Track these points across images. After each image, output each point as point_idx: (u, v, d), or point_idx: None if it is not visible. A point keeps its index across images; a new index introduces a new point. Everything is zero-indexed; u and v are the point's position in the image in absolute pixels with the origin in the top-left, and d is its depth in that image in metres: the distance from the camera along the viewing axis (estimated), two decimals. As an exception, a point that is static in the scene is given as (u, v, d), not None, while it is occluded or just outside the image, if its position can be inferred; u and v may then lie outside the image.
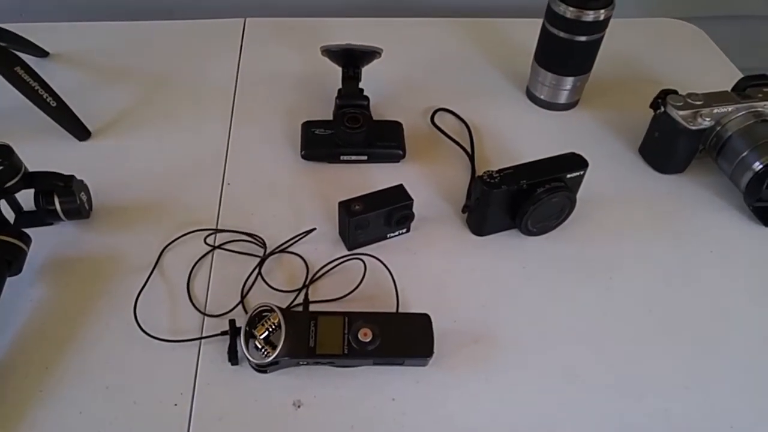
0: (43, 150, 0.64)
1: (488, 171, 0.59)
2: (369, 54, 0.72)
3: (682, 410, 0.51)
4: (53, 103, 0.68)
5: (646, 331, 0.56)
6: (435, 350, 0.51)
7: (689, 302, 0.58)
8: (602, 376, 0.53)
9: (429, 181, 0.67)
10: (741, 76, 0.83)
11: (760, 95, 0.66)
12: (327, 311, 0.52)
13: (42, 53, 0.81)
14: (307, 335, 0.50)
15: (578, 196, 0.62)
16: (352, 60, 0.72)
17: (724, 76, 0.81)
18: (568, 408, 0.51)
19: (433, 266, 0.60)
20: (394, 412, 0.49)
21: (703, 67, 0.85)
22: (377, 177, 0.67)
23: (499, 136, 0.73)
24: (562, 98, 0.76)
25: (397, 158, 0.68)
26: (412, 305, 0.56)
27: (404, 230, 0.62)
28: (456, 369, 0.52)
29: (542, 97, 0.76)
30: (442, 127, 0.74)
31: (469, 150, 0.71)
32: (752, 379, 0.53)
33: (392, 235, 0.61)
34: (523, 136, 0.74)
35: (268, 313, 0.51)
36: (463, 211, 0.64)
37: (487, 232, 0.62)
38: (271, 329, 0.51)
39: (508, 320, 0.56)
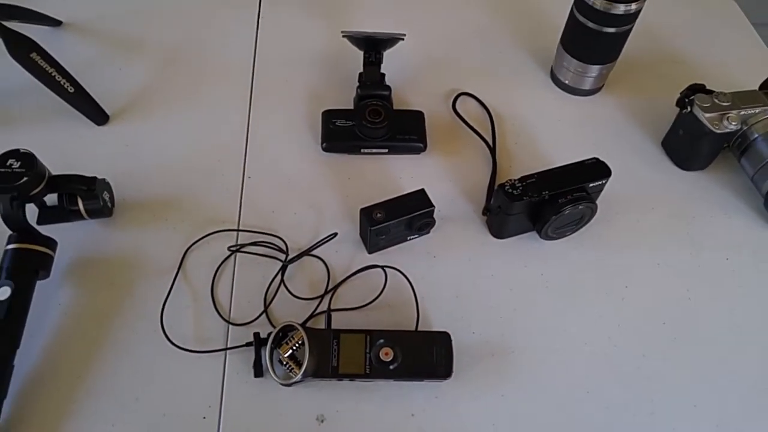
0: (61, 136, 0.58)
1: (510, 180, 0.52)
2: (391, 40, 0.62)
3: (686, 420, 0.47)
4: (71, 89, 0.59)
5: (658, 345, 0.51)
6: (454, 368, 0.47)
7: (702, 314, 0.52)
8: (615, 392, 0.48)
9: (450, 177, 0.59)
10: (760, 41, 0.73)
11: (792, 97, 0.57)
12: (349, 329, 0.47)
13: (55, 23, 0.70)
14: (330, 354, 0.45)
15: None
16: (373, 45, 0.62)
17: (755, 59, 0.70)
18: (582, 423, 0.47)
19: (453, 271, 0.54)
20: (412, 428, 0.46)
21: (735, 48, 0.73)
22: (398, 170, 0.60)
23: (521, 122, 0.64)
24: (587, 84, 0.66)
25: (417, 151, 0.60)
26: (432, 314, 0.51)
27: (425, 233, 0.56)
28: (473, 383, 0.48)
29: (566, 81, 0.66)
30: (464, 114, 0.64)
31: (490, 142, 0.62)
32: (762, 396, 0.48)
33: (413, 237, 0.55)
34: (545, 123, 0.64)
35: (292, 332, 0.47)
36: (484, 213, 0.57)
37: (508, 235, 0.56)
38: (295, 347, 0.46)
39: (524, 332, 0.51)
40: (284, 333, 0.47)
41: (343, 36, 0.61)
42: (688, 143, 0.60)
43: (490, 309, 0.52)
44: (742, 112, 0.57)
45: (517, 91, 0.67)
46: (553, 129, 0.64)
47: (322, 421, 0.46)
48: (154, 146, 0.61)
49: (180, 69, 0.67)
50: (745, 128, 0.58)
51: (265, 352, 0.46)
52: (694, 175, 0.61)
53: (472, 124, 0.63)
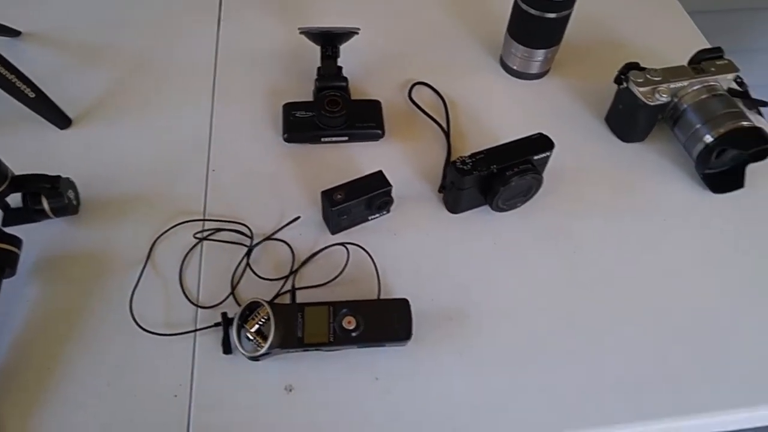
0: (24, 141, 0.60)
1: (461, 157, 0.55)
2: (347, 34, 0.65)
3: (631, 372, 0.50)
4: (32, 95, 0.60)
5: (607, 301, 0.54)
6: (414, 331, 0.50)
7: (644, 271, 0.56)
8: (568, 346, 0.52)
9: (407, 160, 0.63)
10: (697, 31, 0.78)
11: (713, 69, 0.61)
12: (313, 302, 0.49)
13: (14, 33, 0.72)
14: (295, 326, 0.48)
15: (546, 166, 0.59)
16: (330, 40, 0.65)
17: (687, 40, 0.75)
18: (539, 376, 0.50)
19: (412, 246, 0.57)
20: (377, 390, 0.48)
21: (669, 30, 0.78)
22: (358, 156, 0.63)
23: (474, 108, 0.68)
24: (534, 68, 0.70)
25: (376, 137, 0.63)
26: (393, 286, 0.54)
27: (384, 212, 0.59)
28: (433, 346, 0.51)
29: (515, 67, 0.70)
30: (420, 102, 0.68)
31: (445, 127, 0.66)
32: (703, 341, 0.52)
33: (373, 217, 0.58)
34: (496, 107, 0.68)
35: (258, 308, 0.49)
36: (440, 191, 0.60)
37: (462, 210, 0.59)
38: (261, 323, 0.48)
39: (479, 297, 0.54)
40: (251, 310, 0.49)
41: (300, 32, 0.64)
42: (627, 116, 0.64)
43: (448, 278, 0.55)
44: (672, 86, 0.61)
45: (469, 79, 0.71)
46: (503, 111, 0.68)
47: (291, 390, 0.48)
48: (119, 146, 0.63)
49: (143, 73, 0.69)
50: (676, 100, 0.63)
51: (233, 329, 0.48)
52: (634, 147, 0.65)
53: (427, 110, 0.67)
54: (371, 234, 0.57)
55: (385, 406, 0.48)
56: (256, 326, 0.48)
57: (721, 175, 0.63)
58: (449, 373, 0.50)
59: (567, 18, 0.65)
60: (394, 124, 0.65)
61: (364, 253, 0.55)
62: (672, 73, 0.62)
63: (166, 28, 0.74)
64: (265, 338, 0.47)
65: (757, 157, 0.61)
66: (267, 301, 0.48)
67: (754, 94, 0.67)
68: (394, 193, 0.57)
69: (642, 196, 0.62)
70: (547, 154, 0.57)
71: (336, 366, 0.49)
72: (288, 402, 0.47)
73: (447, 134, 0.65)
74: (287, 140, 0.62)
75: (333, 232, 0.57)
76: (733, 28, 1.17)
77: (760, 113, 0.69)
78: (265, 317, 0.48)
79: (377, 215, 0.58)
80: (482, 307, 0.53)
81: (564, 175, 0.62)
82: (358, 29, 0.64)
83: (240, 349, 0.47)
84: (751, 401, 0.49)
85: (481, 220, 0.59)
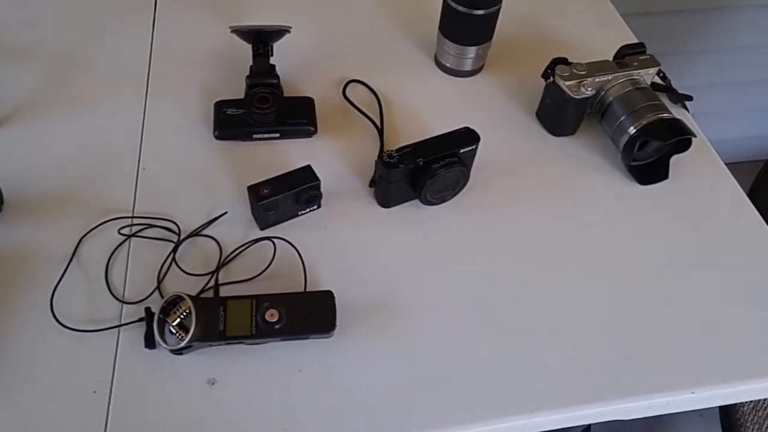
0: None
1: (387, 151, 0.56)
2: (278, 32, 0.66)
3: (554, 360, 0.52)
4: (-43, 95, 0.61)
5: (529, 291, 0.56)
6: (339, 323, 0.50)
7: (569, 260, 0.58)
8: (493, 338, 0.53)
9: (340, 156, 0.64)
10: (627, 28, 0.81)
11: (636, 63, 0.63)
12: (236, 296, 0.50)
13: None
14: (217, 319, 0.48)
15: (477, 160, 0.60)
16: (261, 38, 0.66)
17: (617, 36, 0.77)
18: (464, 367, 0.51)
19: (343, 240, 0.58)
20: (300, 382, 0.49)
21: (599, 28, 0.80)
22: (290, 153, 0.63)
23: (408, 105, 0.69)
24: (467, 66, 0.71)
25: (308, 134, 0.64)
26: (321, 280, 0.54)
27: (315, 207, 0.59)
28: (359, 338, 0.51)
29: (448, 65, 0.72)
30: (354, 100, 0.69)
31: (378, 123, 0.67)
32: (629, 329, 0.54)
33: (303, 212, 0.58)
34: (430, 104, 0.70)
35: (181, 302, 0.49)
36: (370, 185, 0.61)
37: (392, 204, 0.60)
38: (183, 316, 0.48)
39: (407, 289, 0.55)
40: (174, 304, 0.49)
41: (232, 31, 0.65)
42: (555, 111, 0.66)
43: (377, 271, 0.56)
44: (597, 79, 0.63)
45: (403, 77, 0.72)
46: (437, 108, 0.70)
47: (213, 384, 0.48)
48: (48, 145, 0.62)
49: (76, 72, 0.69)
50: (602, 93, 0.65)
51: (154, 323, 0.48)
52: (564, 141, 0.67)
53: (361, 108, 0.68)
54: (301, 229, 0.58)
55: (308, 398, 0.48)
56: (178, 320, 0.48)
57: (647, 167, 0.65)
58: (374, 364, 0.50)
59: (496, 14, 0.67)
60: (327, 122, 0.66)
61: (292, 247, 0.56)
62: (597, 68, 0.64)
63: (100, 28, 0.74)
64: (187, 331, 0.48)
65: (680, 149, 0.64)
66: (188, 295, 0.49)
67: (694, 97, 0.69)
68: (325, 189, 0.58)
69: (570, 188, 0.64)
70: (473, 147, 0.58)
71: (260, 359, 0.50)
72: (210, 395, 0.48)
73: (380, 131, 0.66)
74: (218, 137, 0.63)
75: (261, 228, 0.57)
76: (670, 30, 1.22)
77: (685, 107, 0.72)
78: (187, 311, 0.48)
79: (307, 210, 0.58)
80: (410, 299, 0.54)
81: (494, 169, 0.64)
82: (290, 28, 0.65)
83: (160, 341, 0.47)
84: (675, 386, 0.51)
85: (411, 213, 0.60)
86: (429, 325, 0.53)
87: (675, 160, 0.64)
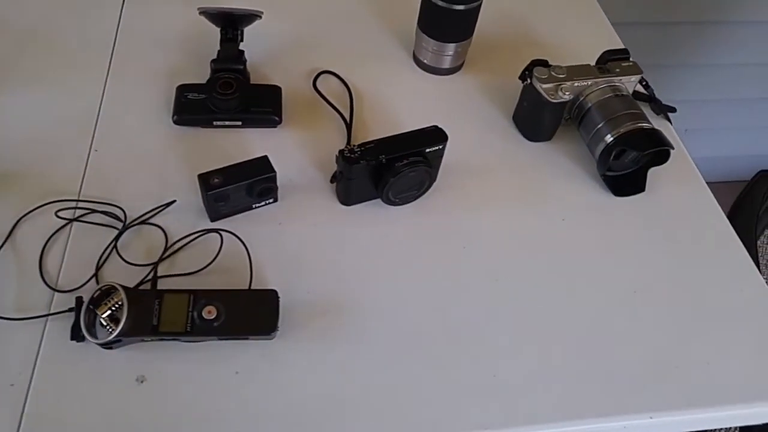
0: None
1: (349, 145, 0.54)
2: (248, 17, 0.63)
3: (510, 375, 0.49)
4: None
5: (489, 300, 0.53)
6: (283, 325, 0.47)
7: (534, 271, 0.55)
8: (446, 346, 0.50)
9: (304, 149, 0.61)
10: (615, 34, 0.78)
11: (618, 70, 0.61)
12: (173, 289, 0.47)
13: None
14: (151, 313, 0.45)
15: (447, 162, 0.58)
16: (230, 22, 0.63)
17: (601, 39, 0.75)
18: (412, 377, 0.48)
19: (297, 237, 0.55)
20: (235, 385, 0.46)
21: (586, 32, 0.78)
22: (251, 143, 0.60)
23: (381, 101, 0.67)
24: (446, 63, 0.69)
25: (273, 124, 0.61)
26: (270, 278, 0.52)
27: (271, 200, 0.56)
28: (302, 341, 0.48)
29: (426, 61, 0.69)
30: (325, 92, 0.66)
31: (347, 117, 0.64)
32: (583, 351, 0.51)
33: (258, 205, 0.55)
34: (405, 101, 0.67)
35: (114, 293, 0.46)
36: (332, 181, 0.58)
37: (354, 201, 0.57)
38: (114, 308, 0.45)
39: (360, 292, 0.52)
40: (107, 295, 0.46)
41: (200, 12, 0.62)
42: (532, 114, 0.64)
43: (330, 271, 0.53)
44: (576, 84, 0.61)
45: (379, 71, 0.69)
46: (411, 106, 0.67)
47: (142, 382, 0.45)
48: (-1, 121, 0.60)
49: (37, 47, 0.66)
50: (581, 99, 0.62)
51: (82, 314, 0.45)
52: (539, 146, 0.65)
53: (332, 101, 0.65)
54: (254, 223, 0.55)
55: (242, 402, 0.45)
56: (109, 311, 0.45)
57: (623, 178, 0.63)
58: (316, 371, 0.48)
59: (476, 10, 0.64)
60: (294, 112, 0.63)
61: (240, 242, 0.53)
62: (577, 72, 0.61)
63: (69, 4, 0.71)
64: (117, 324, 0.45)
65: (658, 161, 0.61)
66: (122, 286, 0.46)
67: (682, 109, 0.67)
68: (284, 182, 0.56)
69: (542, 195, 0.61)
70: (440, 147, 0.55)
71: (195, 358, 0.47)
72: (138, 394, 0.45)
73: (348, 125, 0.63)
74: (177, 122, 0.60)
75: (212, 219, 0.54)
76: (666, 42, 1.19)
77: (668, 119, 0.69)
78: (120, 302, 0.45)
79: (262, 203, 0.56)
80: (362, 303, 0.52)
81: (463, 171, 0.61)
82: (261, 12, 0.63)
83: (85, 333, 0.44)
84: (633, 409, 0.48)
85: (372, 213, 0.57)
86: (380, 332, 0.50)
87: (653, 173, 0.62)
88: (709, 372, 0.50)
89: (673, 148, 0.58)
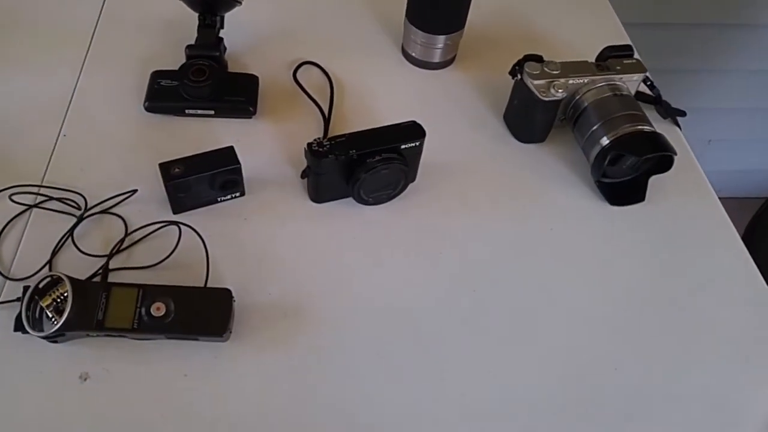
0: None
1: (318, 138, 0.51)
2: (228, 2, 0.60)
3: (478, 395, 0.45)
4: None
5: (464, 312, 0.50)
6: (239, 328, 0.45)
7: (514, 283, 0.51)
8: (409, 356, 0.47)
9: (277, 142, 0.58)
10: (625, 35, 0.73)
11: (619, 67, 0.57)
12: (121, 283, 0.45)
13: None
14: (97, 307, 0.44)
15: (428, 161, 0.55)
16: (208, 7, 0.61)
17: (609, 38, 0.66)
18: (370, 389, 0.45)
19: (262, 234, 0.52)
20: (183, 388, 0.44)
21: (592, 30, 0.73)
22: (223, 133, 0.58)
23: (364, 95, 0.64)
24: (436, 57, 0.65)
25: (247, 114, 0.59)
26: (229, 276, 0.49)
27: (237, 194, 0.54)
28: (258, 344, 0.46)
29: (415, 55, 0.66)
30: (307, 84, 0.63)
31: (326, 110, 0.61)
32: (565, 373, 0.47)
33: (224, 198, 0.53)
34: (389, 96, 0.64)
35: (59, 283, 0.45)
36: (302, 177, 0.55)
37: (325, 199, 0.54)
38: (59, 299, 0.44)
39: (324, 294, 0.49)
40: (54, 285, 0.45)
41: (178, -3, 0.61)
42: (522, 113, 0.60)
43: (293, 271, 0.50)
44: (570, 81, 0.57)
45: (364, 64, 0.66)
46: (396, 101, 0.64)
47: (85, 380, 0.43)
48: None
49: (15, 30, 0.65)
50: (576, 98, 0.58)
51: (23, 304, 0.43)
52: (531, 148, 0.61)
53: (312, 93, 0.62)
54: (218, 217, 0.53)
55: (186, 405, 0.43)
56: (52, 302, 0.43)
57: (621, 186, 0.58)
58: (269, 377, 0.45)
59: (467, 0, 0.61)
60: (271, 103, 0.61)
61: (207, 234, 0.51)
62: (572, 68, 0.57)
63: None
64: (62, 316, 0.43)
65: (660, 169, 0.57)
66: (68, 277, 0.44)
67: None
68: (253, 176, 0.53)
69: (530, 201, 0.57)
70: (417, 143, 0.52)
71: (143, 357, 0.45)
72: (79, 391, 0.43)
73: (326, 119, 0.61)
74: (148, 109, 0.58)
75: (175, 212, 0.52)
76: (684, 45, 1.13)
77: (676, 123, 0.65)
78: (65, 294, 0.44)
79: (228, 197, 0.53)
80: (325, 308, 0.49)
81: (446, 171, 0.58)
82: (241, -2, 0.61)
83: (26, 324, 0.42)
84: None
85: (344, 212, 0.54)
86: (342, 340, 0.47)
87: (655, 181, 0.57)
88: (711, 402, 0.46)
89: (675, 154, 0.54)
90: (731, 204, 0.62)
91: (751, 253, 0.56)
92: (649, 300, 0.52)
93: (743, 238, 0.58)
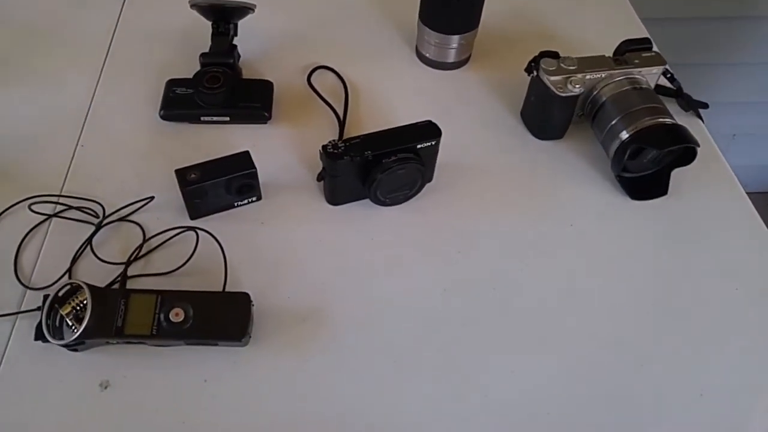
0: None
1: (333, 140, 0.51)
2: (240, 10, 0.61)
3: (501, 396, 0.44)
4: None
5: (483, 310, 0.49)
6: (258, 332, 0.45)
7: (534, 281, 0.50)
8: (428, 360, 0.46)
9: (293, 146, 0.58)
10: (644, 30, 0.72)
11: (637, 61, 0.56)
12: (140, 290, 0.45)
13: None
14: (116, 314, 0.43)
15: (445, 161, 0.54)
16: (221, 15, 0.61)
17: (626, 30, 0.67)
18: (393, 392, 0.44)
19: (280, 237, 0.52)
20: (204, 394, 0.43)
21: (612, 28, 0.71)
22: (239, 139, 0.58)
23: (379, 97, 0.63)
24: (450, 57, 0.65)
25: (262, 119, 0.59)
26: (247, 280, 0.49)
27: (254, 198, 0.54)
28: (277, 349, 0.45)
29: (429, 56, 0.65)
30: (321, 88, 0.63)
31: (341, 113, 0.61)
32: (587, 374, 0.46)
33: (241, 203, 0.53)
34: (405, 97, 0.63)
35: (79, 291, 0.44)
36: (318, 179, 0.55)
37: (342, 201, 0.54)
38: (79, 307, 0.44)
39: (343, 297, 0.49)
40: (73, 293, 0.45)
41: (191, 6, 0.61)
42: (539, 109, 0.59)
43: (311, 274, 0.50)
44: (588, 76, 0.56)
45: (379, 67, 0.66)
46: (411, 102, 0.63)
47: (106, 387, 0.43)
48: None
49: (34, 42, 0.66)
50: (595, 93, 0.57)
51: (43, 313, 0.44)
52: (549, 144, 0.60)
53: (327, 97, 0.62)
54: (236, 222, 0.52)
55: (208, 412, 0.43)
56: (72, 310, 0.43)
57: (642, 180, 0.57)
58: (289, 381, 0.44)
59: None
60: (286, 108, 0.61)
61: (223, 239, 0.50)
62: (589, 63, 0.56)
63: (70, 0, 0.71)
64: (81, 324, 0.43)
65: (682, 162, 0.56)
66: (87, 284, 0.44)
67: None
68: (270, 180, 0.53)
69: (549, 198, 0.56)
70: (433, 143, 0.51)
71: (163, 364, 0.44)
72: (100, 399, 0.43)
73: (341, 122, 0.60)
74: (163, 118, 0.58)
75: (192, 217, 0.52)
76: (710, 39, 1.11)
77: (699, 116, 0.63)
78: (84, 301, 0.44)
79: (245, 201, 0.53)
80: (345, 309, 0.48)
81: (464, 171, 0.57)
82: (254, 5, 0.60)
83: (45, 333, 0.42)
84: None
85: (361, 213, 0.54)
86: (362, 343, 0.47)
87: (677, 174, 0.56)
88: (737, 402, 0.45)
89: (698, 146, 0.52)
90: (758, 199, 0.60)
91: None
92: (674, 295, 0.50)
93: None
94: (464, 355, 0.46)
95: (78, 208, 0.52)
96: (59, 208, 0.52)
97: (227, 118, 0.58)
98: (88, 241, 0.50)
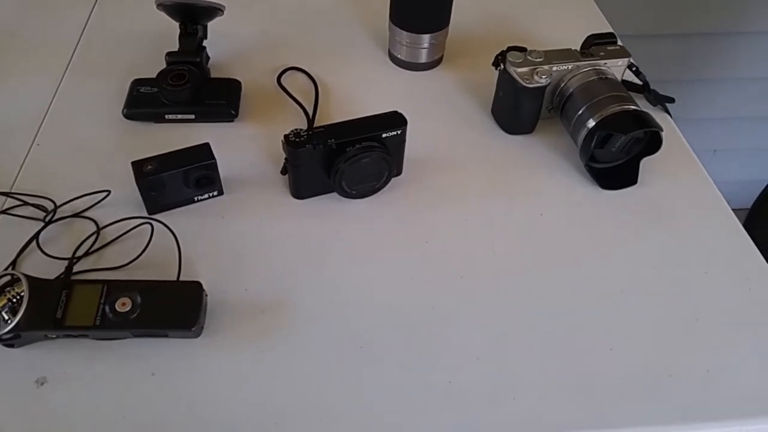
0: None
1: (295, 129, 0.49)
2: (208, 10, 0.61)
3: (466, 382, 0.41)
4: None
5: (451, 299, 0.46)
6: (212, 325, 0.42)
7: (502, 270, 0.48)
8: (392, 349, 0.43)
9: (260, 143, 0.57)
10: (609, 27, 0.71)
11: (603, 53, 0.55)
12: (84, 280, 0.42)
13: None
14: (56, 305, 0.40)
15: (416, 157, 0.53)
16: (189, 16, 0.60)
17: (594, 30, 0.64)
18: (350, 382, 0.41)
19: (240, 231, 0.49)
20: (150, 388, 0.40)
21: (573, 20, 0.72)
22: (205, 137, 0.54)
23: (351, 98, 0.62)
24: (422, 57, 0.64)
25: (228, 117, 0.57)
26: (203, 273, 0.46)
27: (215, 193, 0.51)
28: (232, 341, 0.42)
29: (401, 56, 0.65)
30: (292, 89, 0.62)
31: (311, 112, 0.60)
32: (559, 362, 0.43)
33: (201, 198, 0.51)
34: (376, 97, 0.62)
35: (17, 282, 0.41)
36: (282, 172, 0.53)
37: (307, 195, 0.52)
38: (15, 299, 0.40)
39: (304, 289, 0.46)
40: (10, 285, 0.41)
41: (158, 6, 0.60)
42: (508, 103, 0.58)
43: (273, 268, 0.47)
44: (554, 68, 0.55)
45: (351, 68, 0.65)
46: (383, 102, 0.60)
47: (42, 384, 0.39)
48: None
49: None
50: (562, 85, 0.56)
51: (-23, 304, 0.40)
52: (520, 139, 0.58)
53: (297, 97, 0.61)
54: (195, 216, 0.50)
55: (152, 405, 0.39)
56: (8, 302, 0.40)
57: (613, 170, 0.56)
58: (243, 373, 0.41)
59: (449, -3, 0.61)
60: (254, 107, 0.59)
61: (180, 233, 0.48)
62: (556, 56, 0.56)
63: (40, 2, 0.70)
64: (16, 316, 0.40)
65: (650, 150, 0.54)
66: (25, 275, 0.41)
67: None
68: (234, 176, 0.52)
69: (518, 189, 0.54)
70: (398, 131, 0.50)
71: (106, 358, 0.41)
72: (34, 397, 0.39)
73: (310, 120, 0.59)
74: (126, 116, 0.56)
75: (150, 213, 0.49)
76: (688, 55, 1.13)
77: (666, 111, 0.62)
78: (21, 293, 0.41)
79: (206, 196, 0.51)
80: (305, 301, 0.45)
81: (433, 165, 0.55)
82: (223, 6, 0.60)
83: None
84: (617, 423, 0.40)
85: (326, 207, 0.52)
86: (323, 335, 0.44)
87: (646, 164, 0.54)
88: (709, 381, 0.42)
89: (662, 130, 0.51)
90: (741, 216, 0.59)
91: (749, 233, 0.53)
92: (646, 275, 0.48)
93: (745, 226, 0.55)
94: (429, 344, 0.43)
95: (30, 204, 0.49)
96: (8, 204, 0.50)
97: (192, 116, 0.57)
98: (35, 236, 0.47)
